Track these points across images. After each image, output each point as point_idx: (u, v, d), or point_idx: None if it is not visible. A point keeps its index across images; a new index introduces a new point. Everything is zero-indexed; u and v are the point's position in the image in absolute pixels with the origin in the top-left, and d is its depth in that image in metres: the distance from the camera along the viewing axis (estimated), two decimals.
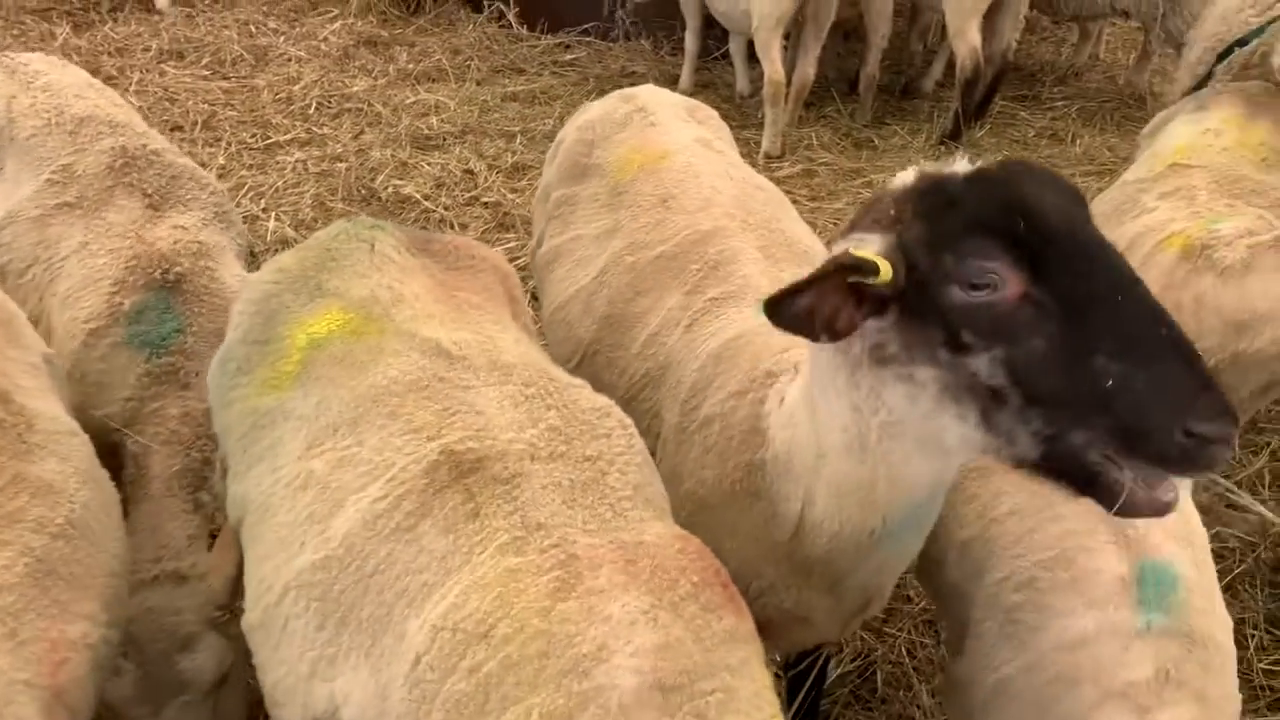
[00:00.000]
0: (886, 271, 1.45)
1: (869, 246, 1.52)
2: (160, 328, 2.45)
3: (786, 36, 6.34)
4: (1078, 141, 6.25)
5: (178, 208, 2.76)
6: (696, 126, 2.84)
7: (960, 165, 1.56)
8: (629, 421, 1.81)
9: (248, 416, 1.84)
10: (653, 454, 2.28)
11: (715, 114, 3.03)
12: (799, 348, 2.05)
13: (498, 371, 1.73)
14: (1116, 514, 1.42)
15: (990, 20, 6.07)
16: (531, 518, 1.48)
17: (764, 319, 2.14)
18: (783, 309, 1.50)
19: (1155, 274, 2.86)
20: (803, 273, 2.29)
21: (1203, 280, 2.83)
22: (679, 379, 2.21)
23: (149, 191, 2.76)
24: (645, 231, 2.51)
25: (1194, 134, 3.46)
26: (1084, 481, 1.43)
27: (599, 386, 2.45)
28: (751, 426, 1.98)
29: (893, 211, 1.53)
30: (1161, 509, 1.42)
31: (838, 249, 1.57)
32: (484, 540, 1.46)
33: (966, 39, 5.92)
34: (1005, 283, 1.41)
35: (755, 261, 2.32)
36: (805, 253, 2.44)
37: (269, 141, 5.84)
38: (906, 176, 1.58)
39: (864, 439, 1.64)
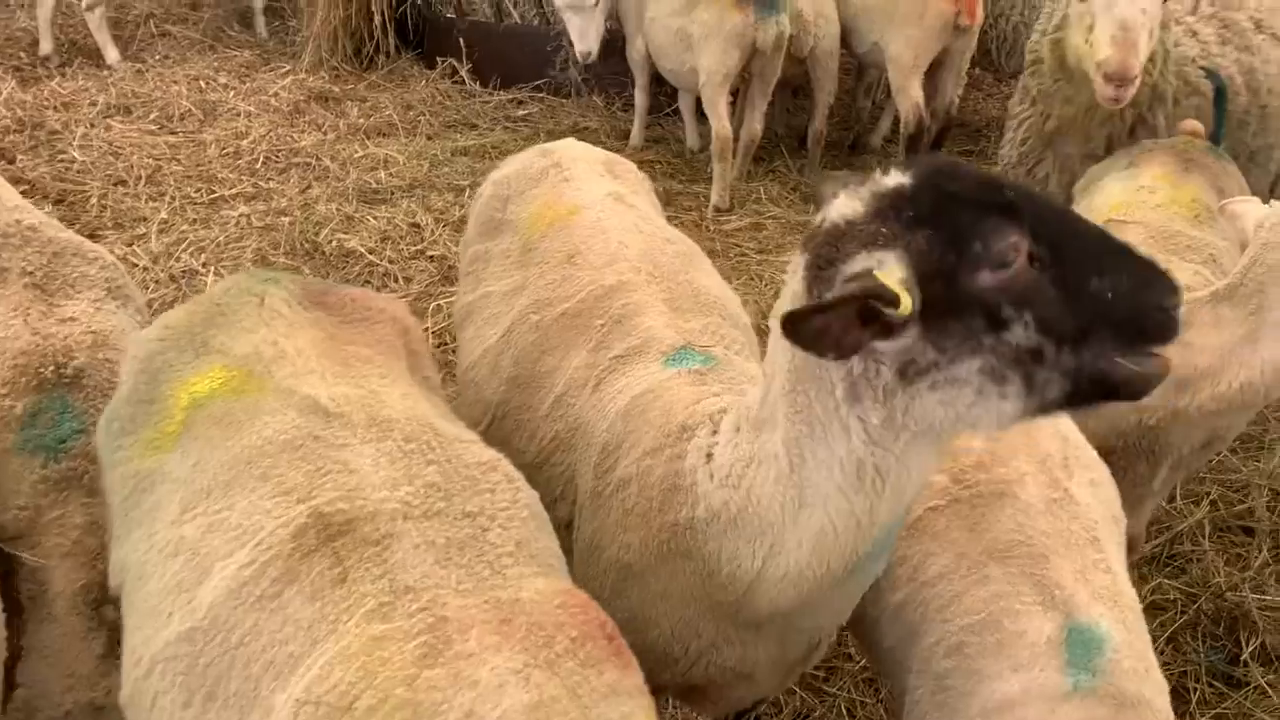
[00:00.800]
0: (906, 306, 1.49)
1: (889, 270, 1.52)
2: (58, 430, 2.25)
3: (735, 93, 6.41)
4: None
5: (65, 290, 2.49)
6: (611, 181, 2.81)
7: (891, 178, 1.62)
8: (516, 475, 1.77)
9: (130, 479, 1.78)
10: (569, 522, 2.24)
11: (634, 168, 3.01)
12: (710, 399, 2.02)
13: (377, 427, 1.68)
14: (1146, 397, 1.64)
15: (932, 77, 6.18)
16: (401, 581, 1.43)
17: (671, 371, 2.12)
18: (802, 328, 1.50)
19: None
20: (710, 322, 2.30)
21: None
22: (589, 441, 2.16)
23: (30, 272, 2.47)
24: (550, 289, 2.47)
25: (1128, 190, 3.49)
26: (1110, 390, 1.61)
27: (509, 450, 2.38)
28: (672, 485, 1.92)
29: (883, 230, 1.55)
30: (1167, 369, 1.64)
31: (855, 267, 1.55)
32: (351, 607, 1.40)
33: (909, 95, 6.01)
34: (1020, 252, 1.55)
35: (660, 314, 2.28)
36: (714, 303, 2.41)
37: (214, 196, 5.80)
38: (852, 205, 1.60)
39: (880, 467, 1.63)
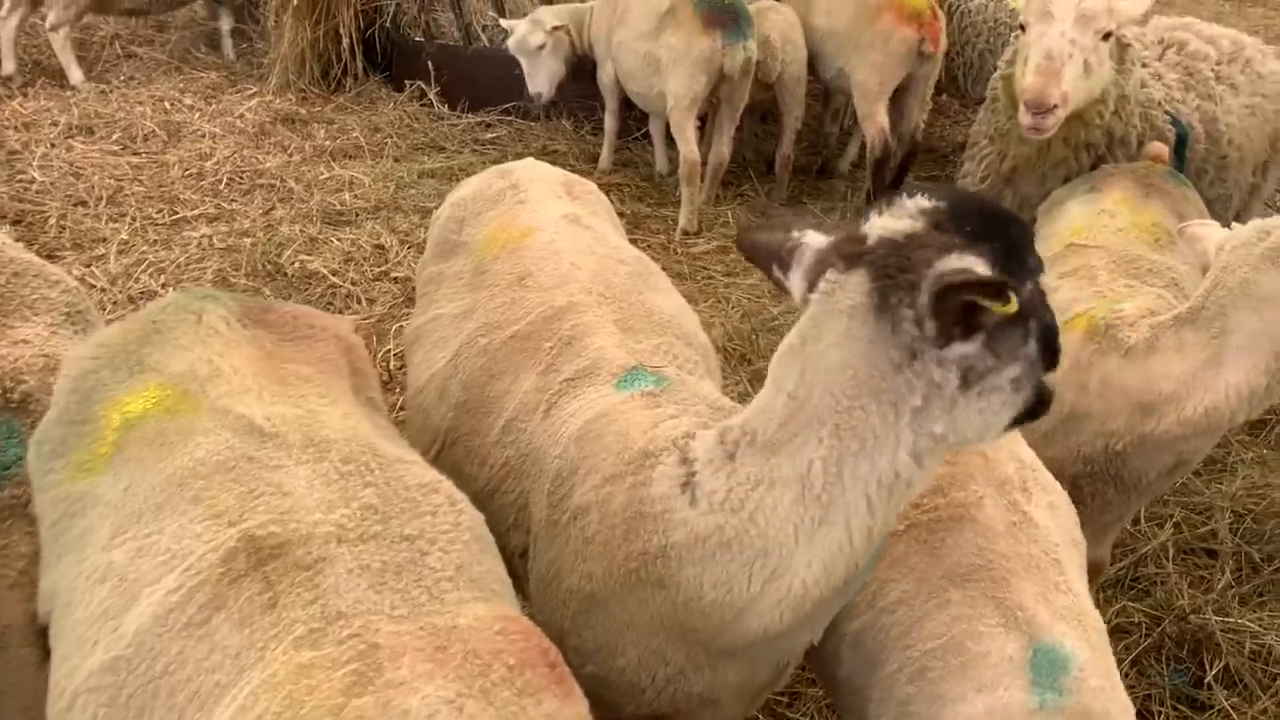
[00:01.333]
0: (1013, 303, 1.55)
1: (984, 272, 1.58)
2: (2, 455, 2.17)
3: (703, 118, 6.42)
4: None
5: (21, 312, 2.44)
6: (569, 202, 2.78)
7: (923, 200, 1.69)
8: (460, 497, 1.72)
9: (60, 503, 1.72)
10: (524, 550, 2.19)
11: (593, 188, 2.97)
12: (667, 422, 1.98)
13: (313, 448, 1.63)
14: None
15: (898, 103, 6.21)
16: (333, 606, 1.38)
17: (623, 394, 2.08)
18: (949, 303, 1.56)
19: (1064, 361, 2.84)
20: (663, 342, 2.27)
21: (1108, 362, 2.80)
22: (541, 468, 2.12)
23: None
24: (500, 311, 2.43)
25: (1089, 215, 3.50)
26: (1038, 408, 1.69)
27: (459, 477, 2.33)
28: (637, 513, 1.87)
29: (956, 239, 1.62)
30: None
31: (951, 265, 1.59)
32: (280, 634, 1.35)
33: (875, 121, 6.04)
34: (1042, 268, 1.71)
35: (610, 334, 2.24)
36: (667, 322, 2.38)
37: (176, 217, 5.73)
38: (902, 221, 1.67)
39: (911, 479, 1.67)
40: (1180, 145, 4.08)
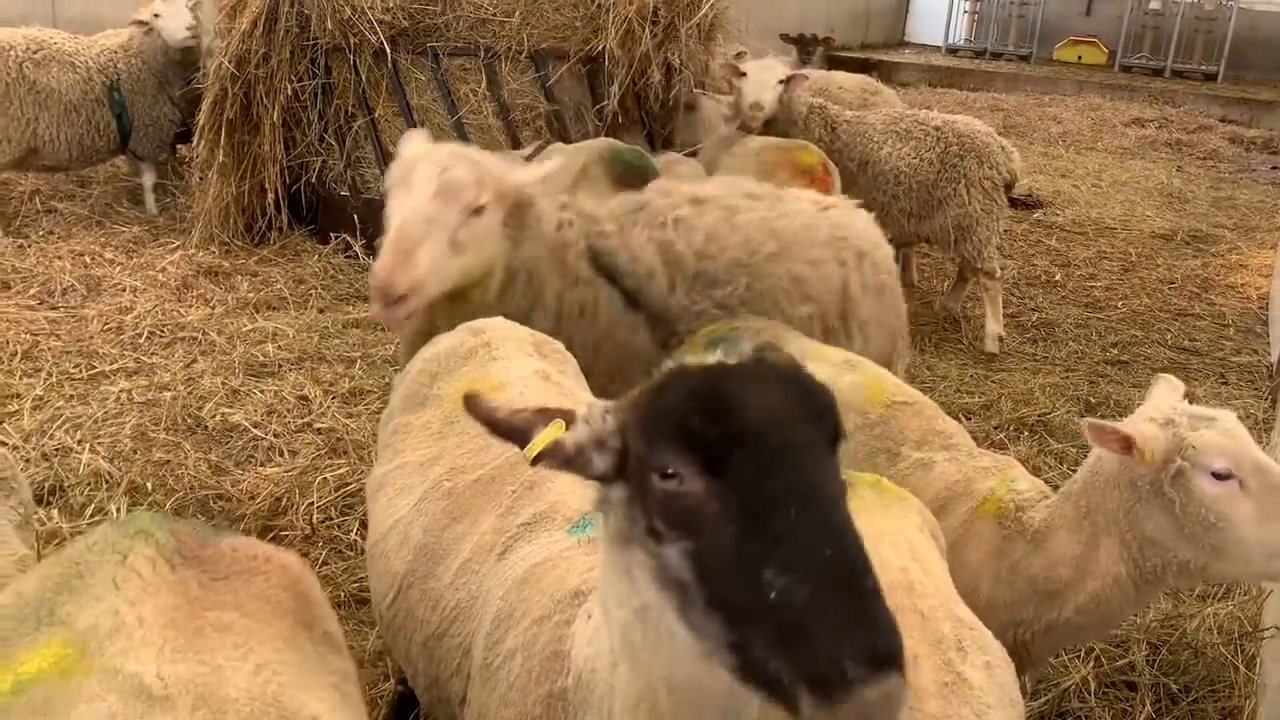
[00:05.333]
0: (534, 448, 1.54)
1: (593, 418, 1.57)
2: None
3: None
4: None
5: None
6: (539, 360, 2.88)
7: (713, 357, 1.55)
8: None
9: None
10: (463, 698, 2.16)
11: (560, 346, 3.09)
12: None
13: (205, 710, 1.54)
14: None
15: None
16: None
17: (573, 539, 2.11)
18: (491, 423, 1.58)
19: (981, 546, 2.82)
20: None
21: (1016, 548, 2.80)
22: (486, 610, 2.12)
23: None
24: (466, 457, 2.49)
25: (843, 367, 3.26)
26: (774, 694, 1.32)
27: (413, 622, 2.34)
28: (553, 651, 1.86)
29: (636, 393, 1.57)
30: None
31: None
32: None
33: None
34: (687, 476, 1.40)
35: (572, 479, 2.30)
36: None
37: (93, 371, 5.66)
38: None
39: (628, 636, 1.56)
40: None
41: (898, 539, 2.40)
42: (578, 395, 2.79)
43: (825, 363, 3.20)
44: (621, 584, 1.54)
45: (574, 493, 2.25)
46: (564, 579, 1.99)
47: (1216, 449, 2.54)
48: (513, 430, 1.59)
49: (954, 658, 2.13)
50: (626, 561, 1.51)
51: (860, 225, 4.08)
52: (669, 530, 1.41)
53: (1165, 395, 2.81)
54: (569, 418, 1.58)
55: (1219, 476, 2.53)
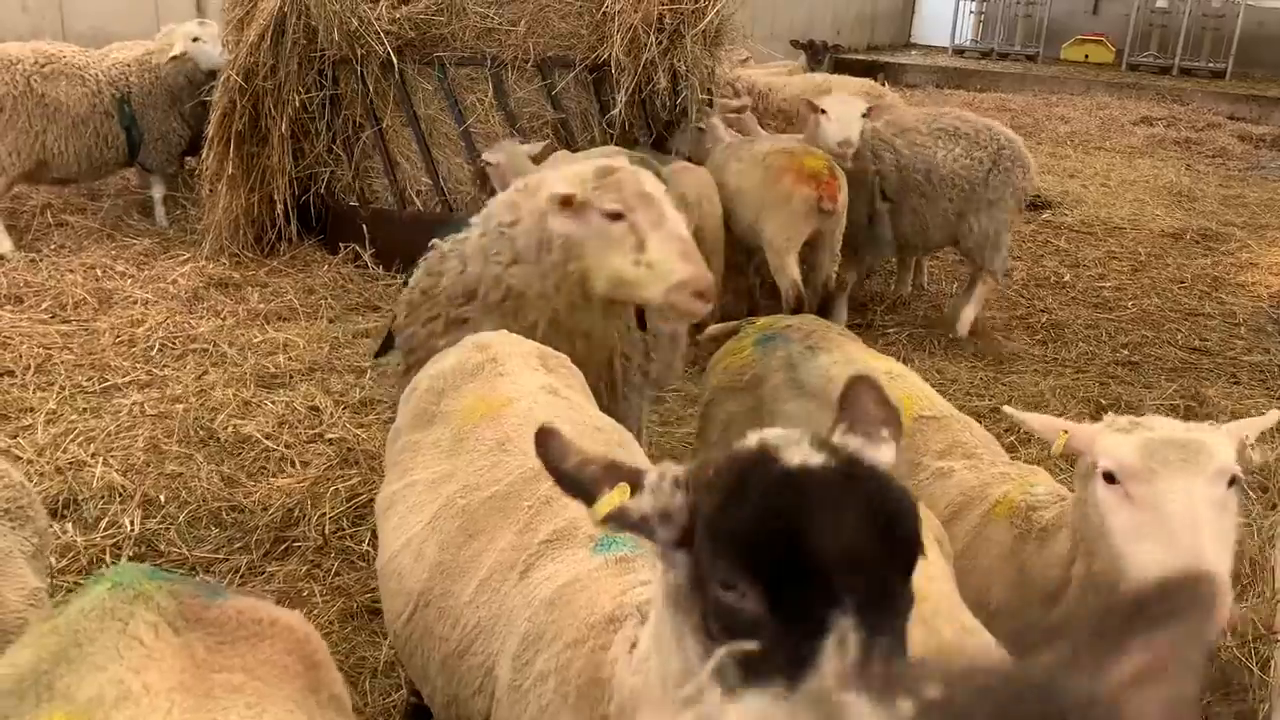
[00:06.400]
0: (599, 512, 1.54)
1: (661, 490, 1.52)
2: None
3: None
4: (908, 364, 6.60)
5: None
6: (545, 375, 2.89)
7: (797, 452, 1.45)
8: None
9: None
10: (487, 716, 2.17)
11: (567, 360, 3.10)
12: (638, 588, 1.97)
13: None
14: None
15: (808, 255, 6.49)
16: None
17: (599, 558, 2.10)
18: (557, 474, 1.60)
19: (993, 549, 2.79)
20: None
21: (1026, 548, 2.77)
22: (511, 629, 2.11)
23: None
24: (480, 474, 2.49)
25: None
26: None
27: (432, 640, 2.34)
28: (591, 678, 1.85)
29: (710, 472, 1.51)
30: None
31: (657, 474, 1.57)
32: None
33: (787, 273, 6.31)
34: (749, 595, 1.36)
35: None
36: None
37: (106, 384, 5.69)
38: (749, 442, 1.52)
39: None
40: None
41: None
42: (587, 410, 2.79)
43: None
44: (673, 645, 1.52)
45: None
46: (596, 601, 1.98)
47: (1106, 450, 2.43)
48: (578, 486, 1.59)
49: None
50: (681, 629, 1.50)
51: None
52: (721, 634, 1.40)
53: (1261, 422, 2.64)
54: (635, 481, 1.55)
55: (1107, 479, 2.43)
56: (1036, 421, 2.69)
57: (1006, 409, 2.77)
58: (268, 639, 1.86)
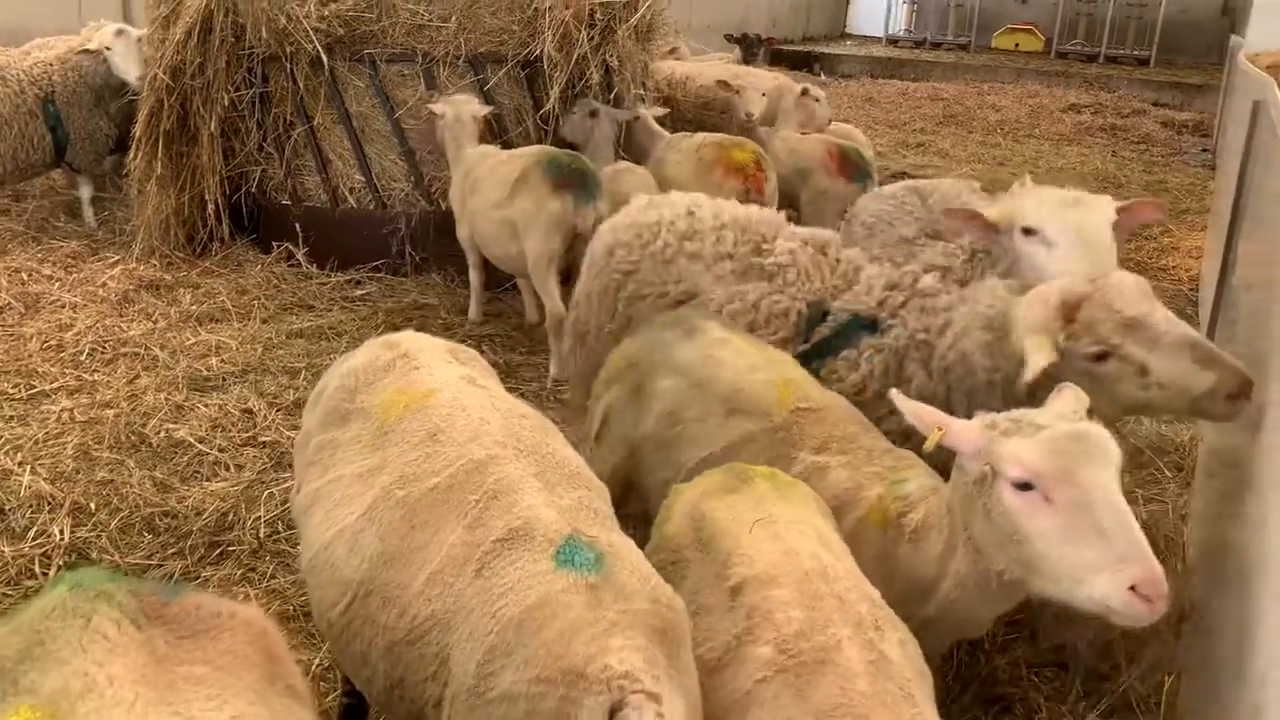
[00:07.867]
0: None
1: None
2: None
3: (567, 273, 6.65)
4: None
5: None
6: (460, 366, 2.93)
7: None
8: None
9: None
10: (438, 701, 2.23)
11: (477, 355, 3.15)
12: (615, 642, 2.00)
13: None
14: None
15: None
16: None
17: (562, 576, 2.12)
18: None
19: (867, 553, 2.74)
20: (581, 495, 2.38)
21: (900, 550, 2.78)
22: (472, 632, 2.16)
23: None
24: (415, 465, 2.51)
25: (760, 362, 3.27)
26: None
27: (375, 627, 2.38)
28: None
29: None
30: None
31: None
32: None
33: None
34: None
35: (536, 491, 2.34)
36: (579, 473, 2.51)
37: (33, 391, 5.60)
38: None
39: None
40: None
41: (804, 526, 2.53)
42: (508, 399, 2.83)
43: (743, 357, 3.27)
44: None
45: (546, 506, 2.29)
46: (570, 645, 2.00)
47: (1015, 458, 2.41)
48: None
49: (874, 637, 2.25)
50: None
51: None
52: None
53: (1067, 404, 2.65)
54: None
55: (1020, 487, 2.40)
56: (915, 411, 2.69)
57: (893, 393, 2.76)
58: (227, 631, 1.90)
